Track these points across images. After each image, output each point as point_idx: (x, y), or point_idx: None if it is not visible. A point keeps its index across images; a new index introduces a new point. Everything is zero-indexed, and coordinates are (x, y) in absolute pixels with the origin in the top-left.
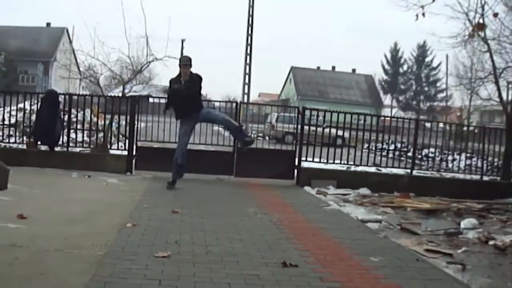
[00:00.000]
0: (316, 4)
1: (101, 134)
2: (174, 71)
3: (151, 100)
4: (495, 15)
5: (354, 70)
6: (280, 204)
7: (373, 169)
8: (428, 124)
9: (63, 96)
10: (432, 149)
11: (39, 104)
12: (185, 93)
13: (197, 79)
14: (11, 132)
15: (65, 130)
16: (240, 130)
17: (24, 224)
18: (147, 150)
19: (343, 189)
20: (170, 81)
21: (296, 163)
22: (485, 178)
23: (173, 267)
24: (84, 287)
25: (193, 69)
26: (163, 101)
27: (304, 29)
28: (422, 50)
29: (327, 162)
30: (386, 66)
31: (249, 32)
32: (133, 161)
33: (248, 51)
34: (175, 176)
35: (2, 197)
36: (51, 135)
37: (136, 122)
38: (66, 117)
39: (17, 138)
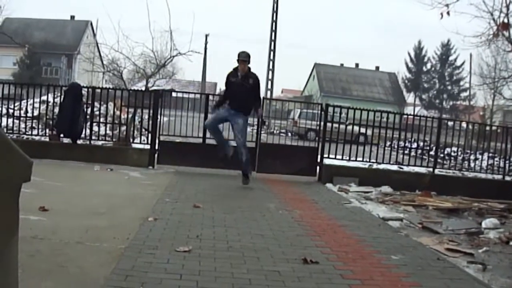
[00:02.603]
0: (340, 1)
1: (123, 128)
2: (198, 65)
3: (174, 94)
4: None
5: (377, 68)
6: (301, 201)
7: (395, 167)
8: (450, 123)
9: (86, 89)
10: (454, 148)
11: (62, 96)
12: (243, 92)
13: (257, 81)
14: (34, 125)
15: (88, 123)
16: (247, 164)
17: (46, 216)
18: (169, 144)
19: (365, 187)
20: (228, 75)
21: (319, 160)
22: (507, 178)
23: (194, 262)
24: (105, 280)
25: (218, 63)
26: (186, 95)
27: (328, 26)
28: (446, 48)
29: (349, 160)
30: (410, 64)
31: (273, 28)
32: (156, 155)
33: (272, 47)
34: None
35: (25, 189)
36: (74, 128)
37: (159, 116)
38: (89, 110)
39: (39, 130)
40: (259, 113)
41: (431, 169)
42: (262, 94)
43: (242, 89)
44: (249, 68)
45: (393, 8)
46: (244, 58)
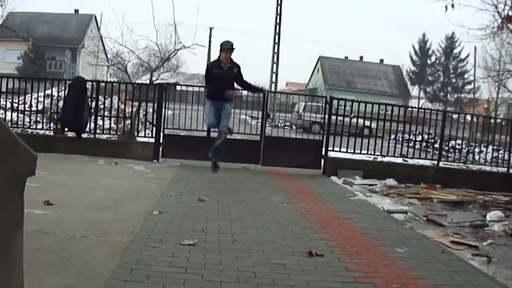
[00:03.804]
0: None
1: (128, 121)
2: (202, 59)
3: (178, 88)
4: None
5: (382, 61)
6: (306, 194)
7: (399, 160)
8: (455, 116)
9: (90, 83)
10: (459, 141)
11: (66, 90)
12: (229, 83)
13: (239, 68)
14: (38, 119)
15: (92, 117)
16: (218, 150)
17: (51, 210)
18: (174, 137)
19: (370, 180)
20: (210, 67)
21: (323, 152)
22: None
23: (199, 255)
24: (110, 273)
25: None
26: (190, 89)
27: (333, 19)
28: (450, 41)
29: (354, 152)
30: (414, 57)
31: (278, 21)
32: (160, 148)
33: (276, 40)
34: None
35: (29, 183)
36: (78, 122)
37: (163, 110)
38: (93, 104)
39: (44, 124)
40: (264, 91)
41: (435, 162)
42: (266, 87)
43: (228, 80)
44: (232, 59)
45: (398, 0)
46: (229, 47)
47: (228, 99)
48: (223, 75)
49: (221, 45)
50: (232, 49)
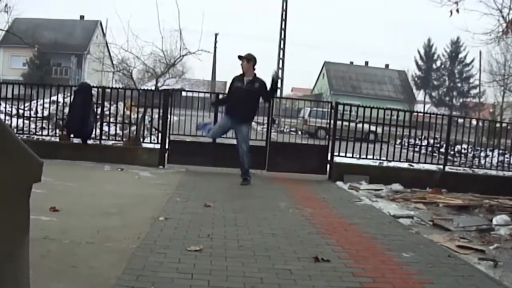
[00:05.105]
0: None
1: (133, 128)
2: (208, 64)
3: (184, 93)
4: None
5: (387, 66)
6: (312, 199)
7: (405, 165)
8: (460, 120)
9: (96, 89)
10: (464, 145)
11: (72, 97)
12: (248, 101)
13: (263, 84)
14: (44, 125)
15: (98, 123)
16: (246, 171)
17: (57, 216)
18: (179, 143)
19: (375, 185)
20: (234, 79)
21: (329, 158)
22: None
23: (205, 261)
24: (116, 280)
25: (228, 62)
26: (196, 95)
27: (338, 24)
28: (456, 46)
29: (359, 158)
30: (420, 62)
31: (283, 26)
32: (166, 154)
33: (282, 46)
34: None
35: (35, 189)
36: (84, 128)
37: (169, 116)
38: (99, 110)
39: (49, 130)
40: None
41: (441, 167)
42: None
43: (247, 97)
44: (255, 74)
45: (403, 5)
46: (248, 57)
47: (246, 119)
48: (242, 90)
49: (242, 57)
50: (249, 59)
